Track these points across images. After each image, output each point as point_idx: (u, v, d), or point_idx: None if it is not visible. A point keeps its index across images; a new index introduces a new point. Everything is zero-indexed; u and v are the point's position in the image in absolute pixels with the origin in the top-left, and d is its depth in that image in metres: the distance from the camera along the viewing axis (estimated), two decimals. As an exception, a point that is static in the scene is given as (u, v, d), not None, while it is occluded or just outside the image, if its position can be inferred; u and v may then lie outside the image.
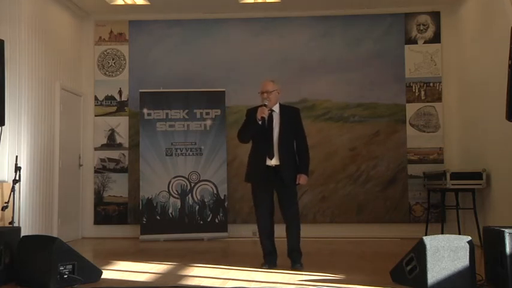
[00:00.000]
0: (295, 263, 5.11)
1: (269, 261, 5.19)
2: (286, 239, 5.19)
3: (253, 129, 5.17)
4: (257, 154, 5.20)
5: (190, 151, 7.87)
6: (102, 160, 8.29)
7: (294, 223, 5.17)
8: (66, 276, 4.21)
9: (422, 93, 8.11)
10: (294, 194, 5.24)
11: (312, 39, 8.28)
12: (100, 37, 8.47)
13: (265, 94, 5.17)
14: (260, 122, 5.11)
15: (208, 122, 7.92)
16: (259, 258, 5.28)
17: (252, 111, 5.30)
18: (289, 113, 5.30)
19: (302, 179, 5.18)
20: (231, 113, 8.08)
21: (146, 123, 7.88)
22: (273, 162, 5.12)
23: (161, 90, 7.96)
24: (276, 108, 5.24)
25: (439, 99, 8.09)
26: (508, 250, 4.00)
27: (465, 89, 7.68)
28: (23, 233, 4.96)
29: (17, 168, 5.88)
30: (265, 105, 5.12)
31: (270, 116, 5.17)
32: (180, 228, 7.73)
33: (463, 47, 7.71)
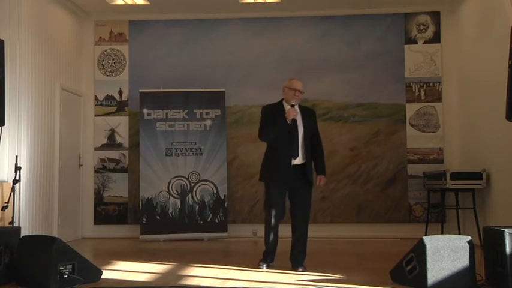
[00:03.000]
0: (299, 265, 5.05)
1: (268, 260, 5.16)
2: (292, 239, 5.16)
3: (280, 129, 5.09)
4: (280, 153, 5.10)
5: (190, 151, 7.87)
6: (102, 160, 8.29)
7: (305, 225, 5.15)
8: (66, 276, 4.20)
9: (422, 93, 8.11)
10: (310, 195, 5.20)
11: (312, 39, 8.28)
12: (100, 37, 8.47)
13: (297, 92, 5.14)
14: (290, 123, 5.04)
15: (208, 122, 7.92)
16: (259, 258, 5.26)
17: (269, 109, 5.26)
18: (308, 114, 5.30)
19: (322, 180, 5.22)
20: (231, 113, 8.08)
21: (146, 123, 7.88)
22: (297, 161, 5.08)
23: (161, 90, 7.97)
24: (296, 108, 5.20)
25: (439, 99, 8.10)
26: (508, 250, 4.01)
27: (465, 89, 7.68)
28: (23, 233, 4.96)
29: (17, 168, 5.88)
30: (292, 106, 5.09)
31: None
32: (180, 228, 7.73)
33: (463, 47, 7.71)
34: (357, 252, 6.51)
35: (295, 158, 5.08)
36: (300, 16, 8.28)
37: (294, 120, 5.09)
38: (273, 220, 5.13)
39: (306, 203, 5.15)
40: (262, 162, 5.31)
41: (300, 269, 5.01)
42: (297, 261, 5.09)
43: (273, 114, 5.17)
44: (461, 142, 7.83)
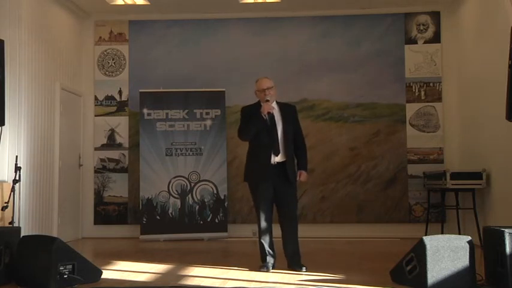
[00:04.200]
0: (298, 266, 5.02)
1: (269, 263, 5.07)
2: (282, 240, 5.10)
3: (257, 124, 5.08)
4: (260, 152, 5.11)
5: (190, 151, 7.87)
6: (102, 160, 8.29)
7: (294, 224, 5.11)
8: (66, 276, 4.20)
9: (422, 93, 8.11)
10: (296, 192, 5.20)
11: (312, 39, 8.28)
12: (100, 37, 8.47)
13: (267, 91, 5.11)
14: (266, 117, 5.04)
15: (208, 122, 7.92)
16: (259, 258, 5.22)
17: (248, 109, 5.26)
18: (288, 110, 5.27)
19: (303, 176, 5.18)
20: (231, 113, 8.07)
21: (146, 123, 7.88)
22: (278, 159, 5.06)
23: (161, 90, 7.97)
24: (274, 105, 5.21)
25: (439, 99, 8.10)
26: (508, 250, 4.00)
27: (465, 89, 7.68)
28: (23, 233, 4.96)
29: (17, 168, 5.88)
30: (267, 101, 5.08)
31: (272, 113, 5.13)
32: (180, 228, 7.73)
33: (463, 47, 7.71)
34: (357, 252, 6.51)
35: (276, 155, 5.05)
36: (300, 16, 8.28)
37: (270, 114, 5.08)
38: (263, 220, 5.08)
39: (290, 201, 5.12)
40: (245, 162, 5.30)
41: (304, 269, 4.96)
42: (294, 263, 5.06)
43: (251, 113, 5.16)
44: (461, 142, 7.83)
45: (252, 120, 5.13)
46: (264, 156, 5.08)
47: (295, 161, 5.23)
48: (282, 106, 5.28)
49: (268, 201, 5.11)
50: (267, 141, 5.09)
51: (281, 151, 5.07)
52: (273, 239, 5.15)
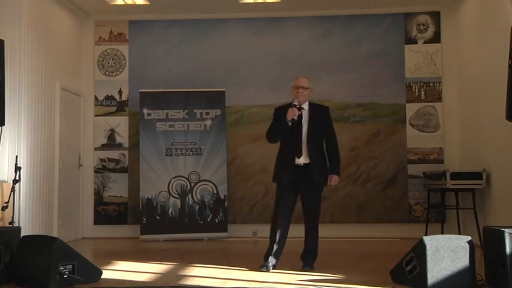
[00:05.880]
0: (307, 265, 5.06)
1: (269, 263, 5.05)
2: (304, 239, 5.16)
3: (281, 130, 5.08)
4: (285, 153, 5.11)
5: (190, 151, 7.87)
6: (102, 160, 8.29)
7: (316, 225, 5.16)
8: (66, 276, 4.21)
9: (422, 93, 8.11)
10: (320, 194, 5.18)
11: (312, 39, 8.28)
12: (100, 37, 8.47)
13: (300, 89, 5.10)
14: (290, 124, 5.02)
15: (208, 122, 7.92)
16: (259, 258, 5.24)
17: (280, 110, 5.22)
18: (319, 112, 5.23)
19: (334, 180, 5.15)
20: (231, 113, 8.08)
21: (146, 123, 7.88)
22: (302, 160, 5.05)
23: (161, 90, 7.97)
24: (305, 106, 5.17)
25: (439, 99, 8.10)
26: (508, 250, 4.01)
27: (465, 89, 7.68)
28: (23, 233, 4.95)
29: (17, 168, 5.89)
30: (295, 105, 5.06)
31: (299, 114, 5.09)
32: (180, 228, 7.73)
33: (463, 47, 7.71)
34: (357, 252, 6.51)
35: (298, 157, 5.04)
36: (300, 16, 8.28)
37: (295, 120, 5.04)
38: (280, 219, 5.08)
39: (312, 203, 5.12)
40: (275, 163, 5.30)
41: (306, 269, 5.00)
42: (304, 261, 5.10)
43: (281, 115, 5.14)
44: (461, 142, 7.83)
45: (278, 125, 5.13)
46: (288, 158, 5.08)
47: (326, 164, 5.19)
48: (314, 107, 5.23)
49: (288, 203, 5.10)
50: (290, 143, 5.08)
51: (303, 153, 5.05)
52: (283, 239, 5.11)
